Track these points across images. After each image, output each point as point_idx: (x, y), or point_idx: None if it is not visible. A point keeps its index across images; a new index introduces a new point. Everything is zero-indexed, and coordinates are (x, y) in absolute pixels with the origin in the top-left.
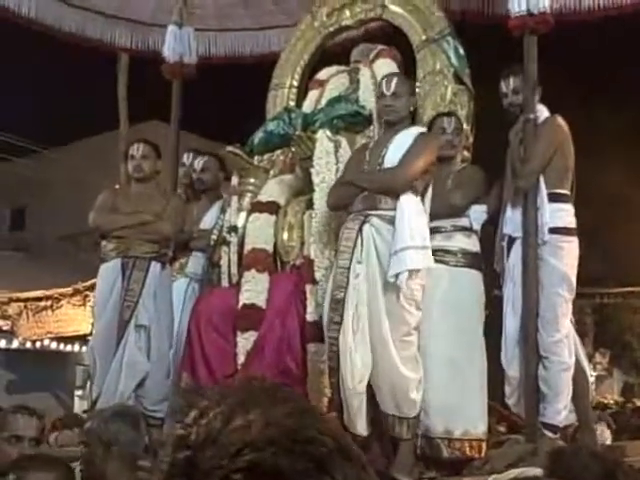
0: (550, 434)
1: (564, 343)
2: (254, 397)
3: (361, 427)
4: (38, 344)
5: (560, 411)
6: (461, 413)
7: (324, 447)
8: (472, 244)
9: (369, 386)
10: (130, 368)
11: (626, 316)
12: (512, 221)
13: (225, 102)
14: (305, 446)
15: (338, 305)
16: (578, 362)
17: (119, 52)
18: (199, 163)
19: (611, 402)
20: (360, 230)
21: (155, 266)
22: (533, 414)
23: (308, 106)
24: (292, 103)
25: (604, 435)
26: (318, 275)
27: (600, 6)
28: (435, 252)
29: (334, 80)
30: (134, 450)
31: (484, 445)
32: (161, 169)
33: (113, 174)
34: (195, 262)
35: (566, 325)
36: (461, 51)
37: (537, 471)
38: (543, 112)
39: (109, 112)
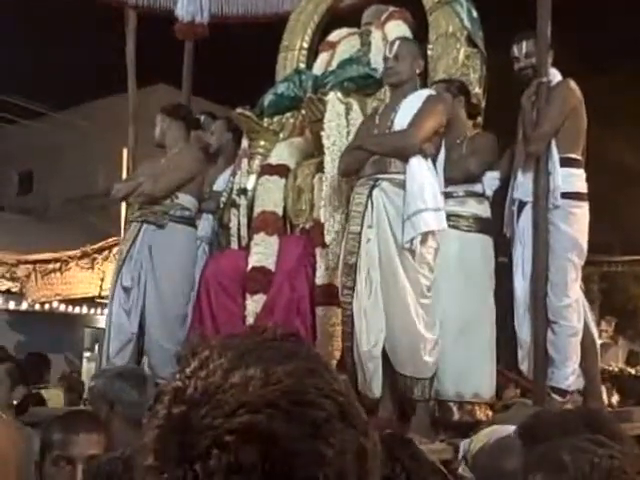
0: (558, 398)
1: (573, 308)
2: (258, 351)
3: (377, 389)
4: (47, 306)
5: (568, 375)
6: (471, 377)
7: (323, 411)
8: (484, 210)
9: (383, 349)
10: (115, 330)
11: (632, 284)
12: (523, 185)
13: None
14: (303, 409)
15: (350, 270)
16: (587, 327)
17: (127, 10)
18: (207, 125)
19: (616, 370)
20: (370, 195)
21: (147, 228)
22: (541, 378)
23: (319, 68)
24: (302, 65)
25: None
26: (328, 238)
27: None
28: (448, 217)
29: (345, 42)
30: (138, 410)
31: (492, 408)
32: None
33: (121, 138)
34: (206, 224)
35: (576, 290)
36: (474, 13)
37: (511, 429)
38: (556, 76)
39: (117, 74)
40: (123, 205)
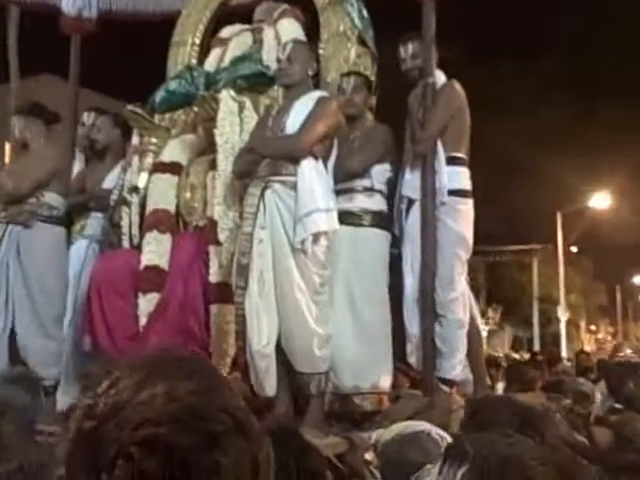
0: (446, 388)
1: (460, 301)
2: (164, 370)
3: (269, 388)
4: None
5: (455, 366)
6: (369, 369)
7: (221, 424)
8: (375, 203)
9: (278, 348)
10: None
11: (517, 273)
12: (411, 183)
13: (125, 58)
14: (202, 423)
15: (243, 270)
16: (472, 319)
17: (8, 4)
18: (93, 121)
19: (501, 355)
20: (262, 196)
21: (13, 229)
22: (430, 369)
23: (210, 65)
24: (194, 61)
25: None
26: (222, 236)
27: None
28: (338, 214)
29: (237, 39)
30: (30, 415)
31: (387, 399)
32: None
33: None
34: (95, 223)
35: (462, 284)
36: (365, 13)
37: (424, 426)
38: (441, 77)
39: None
40: None
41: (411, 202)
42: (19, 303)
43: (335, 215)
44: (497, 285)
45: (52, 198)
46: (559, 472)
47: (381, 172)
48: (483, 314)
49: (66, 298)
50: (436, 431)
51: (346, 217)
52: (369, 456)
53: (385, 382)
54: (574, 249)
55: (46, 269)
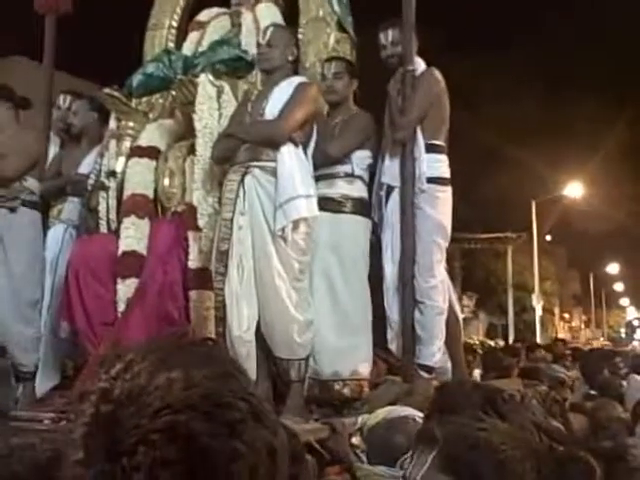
0: (425, 374)
1: (439, 288)
2: (178, 354)
3: (250, 374)
4: None
5: (434, 353)
6: (349, 355)
7: (238, 412)
8: (356, 190)
9: (258, 334)
10: None
11: (492, 261)
12: (390, 170)
13: (101, 40)
14: (221, 410)
15: (223, 256)
16: (451, 306)
17: None
18: (69, 105)
19: (477, 342)
20: (242, 181)
21: None
22: (409, 356)
23: (188, 48)
24: (171, 45)
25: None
26: (201, 222)
27: None
28: (318, 200)
29: (215, 23)
30: (4, 402)
31: (367, 385)
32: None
33: None
34: (72, 208)
35: (441, 271)
36: None
37: (408, 411)
38: (421, 65)
39: None
40: None
41: (390, 189)
42: (0, 288)
43: (315, 201)
44: (472, 273)
45: (31, 183)
46: (529, 455)
47: (362, 158)
48: (458, 302)
49: (45, 283)
50: (420, 416)
51: (326, 203)
52: (356, 440)
53: (365, 369)
54: (548, 238)
55: (28, 254)
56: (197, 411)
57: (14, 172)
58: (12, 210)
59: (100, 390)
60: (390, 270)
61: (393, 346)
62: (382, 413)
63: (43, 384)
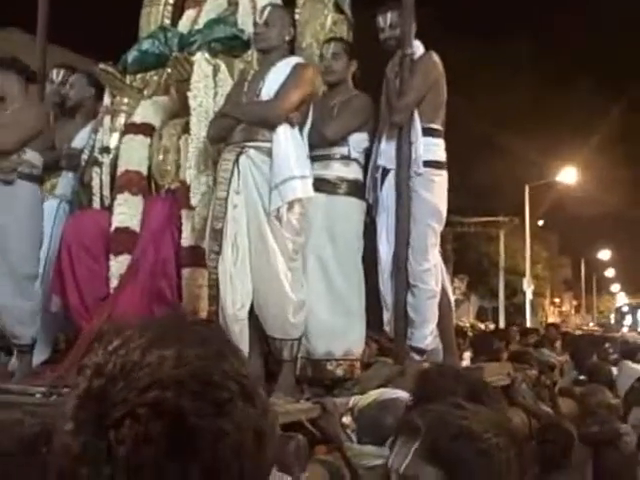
0: (417, 357)
1: (432, 272)
2: (174, 333)
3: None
4: None
5: (426, 335)
6: (342, 336)
7: (227, 392)
8: (351, 172)
9: (251, 313)
10: None
11: (483, 244)
12: (386, 153)
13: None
14: (209, 389)
15: (217, 235)
16: (443, 290)
17: None
18: (63, 79)
19: (467, 325)
20: (237, 161)
21: None
22: (401, 338)
23: (184, 26)
24: (167, 21)
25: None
26: (194, 200)
27: None
28: (313, 181)
29: (211, 1)
30: None
31: (359, 366)
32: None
33: None
34: (65, 182)
35: (435, 255)
36: None
37: (399, 393)
38: (419, 48)
39: None
40: None
41: (386, 172)
42: None
43: (310, 182)
44: (464, 256)
45: (32, 156)
46: (512, 443)
47: (359, 141)
48: (450, 283)
49: (41, 258)
50: (410, 398)
51: (321, 184)
52: (346, 420)
53: (357, 349)
54: (540, 223)
55: (25, 227)
56: (185, 389)
57: (12, 145)
58: (8, 183)
59: (94, 365)
60: (385, 253)
61: (389, 328)
62: (374, 395)
63: (34, 357)
